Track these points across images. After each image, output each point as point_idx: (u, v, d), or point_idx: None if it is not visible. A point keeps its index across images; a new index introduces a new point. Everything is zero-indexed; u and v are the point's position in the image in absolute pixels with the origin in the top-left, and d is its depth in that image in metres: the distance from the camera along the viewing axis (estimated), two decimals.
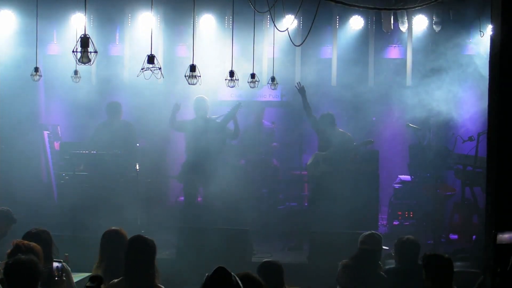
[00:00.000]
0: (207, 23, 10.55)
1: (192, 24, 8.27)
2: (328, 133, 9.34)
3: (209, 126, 9.23)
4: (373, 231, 6.21)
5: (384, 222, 10.47)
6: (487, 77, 4.98)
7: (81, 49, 4.49)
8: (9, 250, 4.86)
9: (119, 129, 9.62)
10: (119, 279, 4.87)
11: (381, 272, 6.02)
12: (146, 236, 5.02)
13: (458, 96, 10.28)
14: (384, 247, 6.26)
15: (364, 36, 10.74)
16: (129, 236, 5.18)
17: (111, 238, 5.42)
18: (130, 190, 8.89)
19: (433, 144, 10.01)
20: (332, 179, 9.11)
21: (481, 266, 5.61)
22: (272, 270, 5.16)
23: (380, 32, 10.42)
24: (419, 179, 10.19)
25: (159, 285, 4.86)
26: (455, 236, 9.99)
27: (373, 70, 10.69)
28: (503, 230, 4.37)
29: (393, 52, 11.44)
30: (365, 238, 6.10)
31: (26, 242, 4.90)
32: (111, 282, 4.86)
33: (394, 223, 10.32)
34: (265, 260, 5.37)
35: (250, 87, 7.81)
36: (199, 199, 9.68)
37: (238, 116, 9.61)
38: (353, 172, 9.38)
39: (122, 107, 9.92)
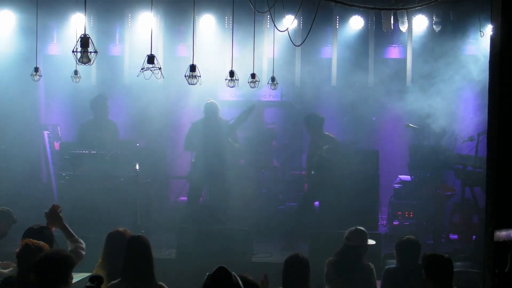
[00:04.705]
0: (207, 23, 10.54)
1: (192, 24, 8.27)
2: (317, 135, 9.40)
3: (220, 129, 9.26)
4: (358, 227, 6.27)
5: (384, 222, 10.47)
6: (485, 77, 4.99)
7: (81, 49, 4.49)
8: (18, 249, 4.85)
9: (107, 128, 9.60)
10: (117, 280, 4.87)
11: (368, 263, 6.16)
12: (143, 236, 5.04)
13: (458, 96, 10.29)
14: (370, 241, 6.32)
15: (364, 36, 10.73)
16: None
17: (116, 239, 5.41)
18: (130, 190, 8.88)
19: (433, 144, 10.01)
20: (327, 182, 9.16)
21: (481, 266, 5.61)
22: (300, 264, 5.31)
23: (380, 32, 10.42)
24: (419, 179, 10.18)
25: (160, 283, 4.87)
26: (455, 236, 10.00)
27: (373, 70, 10.69)
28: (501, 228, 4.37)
29: (393, 52, 11.45)
30: (350, 234, 6.20)
31: (35, 241, 4.89)
32: (110, 284, 4.86)
33: (394, 223, 10.32)
34: (295, 253, 5.48)
35: (251, 87, 7.81)
36: (200, 199, 9.71)
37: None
38: (353, 172, 9.39)
39: (109, 101, 9.83)
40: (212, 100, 9.44)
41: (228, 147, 9.38)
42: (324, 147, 9.26)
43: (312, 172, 9.35)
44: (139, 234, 5.27)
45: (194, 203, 9.47)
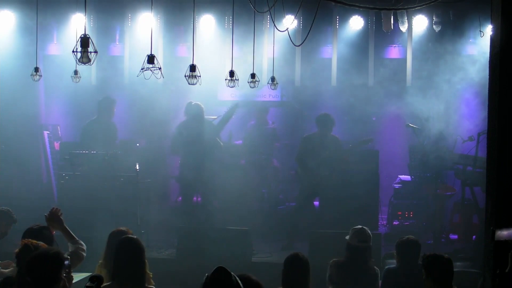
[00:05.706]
0: (207, 23, 10.55)
1: (192, 24, 8.27)
2: (327, 137, 9.40)
3: (204, 129, 9.22)
4: (362, 227, 6.23)
5: (384, 222, 10.47)
6: (485, 77, 5.00)
7: (81, 49, 4.49)
8: (17, 249, 4.85)
9: (109, 130, 9.59)
10: (109, 283, 4.83)
11: (374, 266, 6.14)
12: (135, 238, 5.02)
13: (458, 96, 10.28)
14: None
15: (364, 36, 10.74)
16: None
17: (118, 238, 5.40)
18: (130, 190, 8.89)
19: (433, 144, 10.01)
20: (330, 181, 9.15)
21: (481, 266, 5.62)
22: (300, 264, 5.27)
23: (380, 32, 10.42)
24: (419, 179, 10.18)
25: (150, 286, 4.84)
26: (455, 236, 9.99)
27: (373, 70, 10.69)
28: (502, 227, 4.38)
29: (393, 52, 11.46)
30: (351, 234, 6.16)
31: (35, 242, 4.87)
32: (102, 285, 4.83)
33: (394, 223, 10.31)
34: (295, 253, 5.44)
35: (250, 87, 7.81)
36: (198, 199, 9.69)
37: (237, 117, 9.61)
38: (353, 172, 9.38)
39: (116, 104, 9.81)
40: (196, 102, 9.35)
41: (216, 146, 9.33)
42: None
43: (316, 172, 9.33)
44: (132, 235, 5.24)
45: (188, 203, 9.44)
